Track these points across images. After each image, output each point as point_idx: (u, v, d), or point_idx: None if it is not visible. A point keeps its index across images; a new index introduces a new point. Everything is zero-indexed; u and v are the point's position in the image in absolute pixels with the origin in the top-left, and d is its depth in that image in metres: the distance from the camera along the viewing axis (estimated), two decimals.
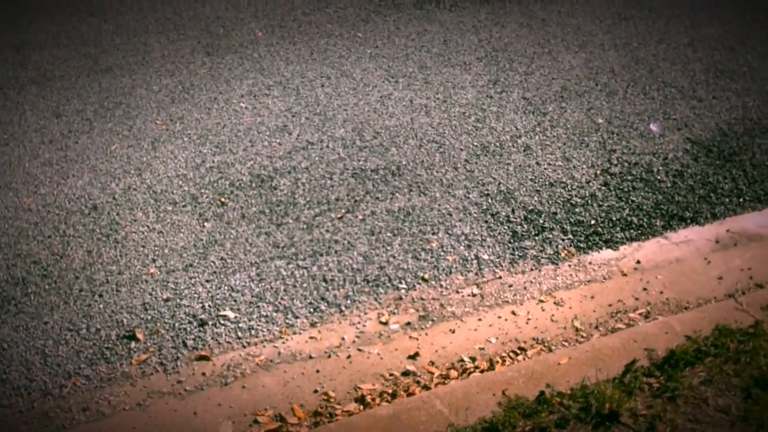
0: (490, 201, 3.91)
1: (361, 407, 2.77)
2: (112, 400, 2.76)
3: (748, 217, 3.79)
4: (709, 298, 3.23)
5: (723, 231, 3.68)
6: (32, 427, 2.64)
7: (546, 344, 3.06)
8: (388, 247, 3.58)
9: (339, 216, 3.80)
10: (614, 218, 3.78)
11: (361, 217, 3.80)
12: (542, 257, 3.54)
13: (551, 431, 2.50)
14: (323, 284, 3.36)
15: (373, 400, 2.82)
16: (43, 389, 2.79)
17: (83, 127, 4.61)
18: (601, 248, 3.60)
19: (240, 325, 3.13)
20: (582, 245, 3.61)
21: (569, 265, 3.49)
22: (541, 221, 3.76)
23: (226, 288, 3.31)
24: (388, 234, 3.67)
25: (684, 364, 2.72)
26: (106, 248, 3.52)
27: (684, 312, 3.14)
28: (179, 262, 3.44)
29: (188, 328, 3.09)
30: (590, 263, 3.50)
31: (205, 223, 3.71)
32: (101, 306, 3.18)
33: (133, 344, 3.01)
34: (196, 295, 3.26)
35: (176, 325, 3.11)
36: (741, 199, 3.90)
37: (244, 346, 3.03)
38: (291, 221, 3.75)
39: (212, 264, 3.45)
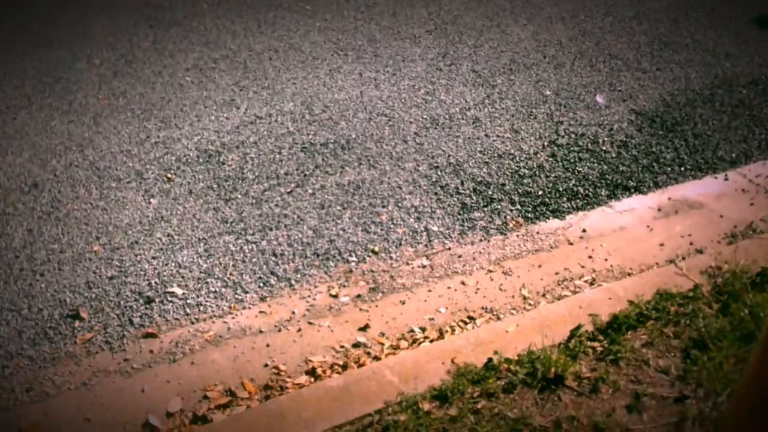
0: (439, 173, 3.93)
1: (312, 380, 2.77)
2: (57, 380, 2.71)
3: (689, 185, 3.87)
4: (651, 264, 3.30)
5: (665, 199, 3.76)
6: None
7: (494, 313, 3.09)
8: (338, 221, 3.57)
9: (288, 190, 3.76)
10: (561, 188, 3.83)
11: (310, 191, 3.77)
12: (491, 228, 3.57)
13: (499, 396, 2.54)
14: (273, 259, 3.34)
15: (324, 372, 2.82)
16: None
17: (21, 102, 4.46)
18: (548, 218, 3.64)
19: (188, 301, 3.09)
20: (530, 215, 3.65)
21: (517, 235, 3.53)
22: (490, 193, 3.79)
23: (173, 264, 3.27)
24: (338, 207, 3.66)
25: (626, 328, 2.79)
26: (47, 226, 3.43)
27: (627, 278, 3.21)
28: (124, 240, 3.38)
29: (134, 306, 3.05)
30: (538, 233, 3.55)
31: (151, 200, 3.64)
32: (43, 285, 3.11)
33: (77, 323, 2.95)
34: (142, 273, 3.21)
35: (122, 303, 3.06)
36: (682, 168, 3.98)
37: (192, 323, 3.00)
38: (240, 196, 3.71)
39: (159, 241, 3.39)
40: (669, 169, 3.97)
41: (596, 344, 2.75)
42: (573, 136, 4.24)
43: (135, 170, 3.85)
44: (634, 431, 2.41)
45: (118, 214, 3.53)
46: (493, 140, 4.21)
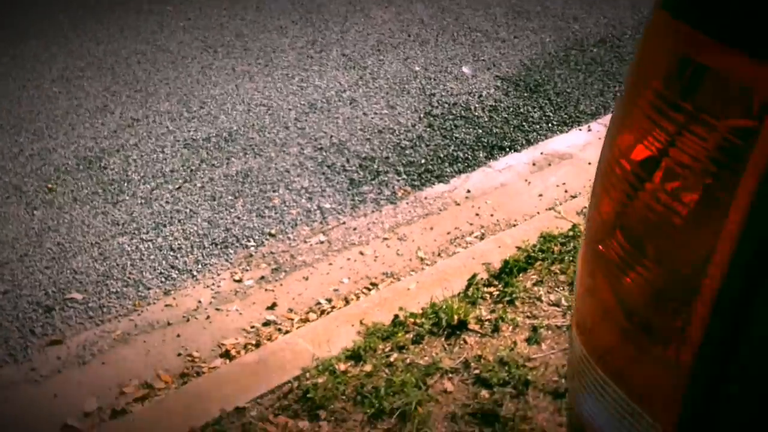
0: (324, 154, 4.03)
1: (227, 361, 2.82)
2: None
3: (558, 139, 4.17)
4: (533, 213, 3.55)
5: (538, 154, 4.03)
6: None
7: (395, 276, 3.24)
8: (232, 210, 3.61)
9: (177, 187, 3.76)
10: (442, 155, 4.02)
11: (199, 185, 3.79)
12: (381, 199, 3.72)
13: (409, 348, 2.68)
14: (171, 253, 3.34)
15: (238, 353, 2.87)
16: None
17: None
18: (433, 183, 3.83)
19: (90, 305, 3.06)
20: (416, 183, 3.83)
21: (407, 203, 3.70)
22: (376, 166, 3.94)
23: (68, 271, 3.21)
24: (230, 197, 3.70)
25: (517, 271, 3.00)
26: None
27: (513, 228, 3.44)
28: (12, 254, 3.28)
29: (34, 316, 2.98)
30: (426, 198, 3.73)
31: (35, 212, 3.55)
32: None
33: None
34: (36, 283, 3.14)
35: (20, 315, 2.98)
36: (549, 125, 4.28)
37: (97, 324, 2.97)
38: (128, 198, 3.67)
39: (49, 251, 3.32)
40: (538, 126, 4.26)
41: (492, 289, 2.95)
42: (446, 105, 4.46)
43: (12, 185, 3.73)
44: (536, 359, 2.62)
45: (2, 229, 3.42)
46: (372, 118, 4.36)
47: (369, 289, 3.19)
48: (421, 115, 4.37)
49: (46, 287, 3.12)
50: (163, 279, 3.20)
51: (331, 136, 4.18)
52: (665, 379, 0.68)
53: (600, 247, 0.79)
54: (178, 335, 2.93)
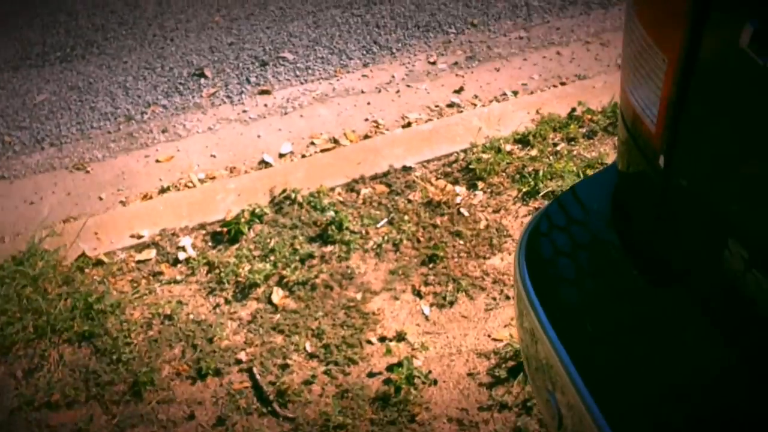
0: None
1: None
2: (187, 125, 3.11)
3: None
4: None
5: None
6: (120, 145, 3.03)
7: (583, 77, 3.19)
8: None
9: None
10: None
11: None
12: (593, 2, 3.58)
13: (579, 141, 2.71)
14: (376, 29, 3.53)
15: (419, 125, 3.07)
16: (127, 115, 3.16)
17: None
18: None
19: (298, 65, 3.37)
20: None
21: (619, 9, 3.53)
22: None
23: (285, 34, 3.53)
24: None
25: None
26: None
27: None
28: (242, 11, 3.66)
29: (251, 68, 3.36)
30: None
31: None
32: (173, 49, 3.48)
33: (202, 80, 3.31)
34: (257, 40, 3.50)
35: (240, 65, 3.38)
36: None
37: (302, 83, 3.30)
38: None
39: (272, 13, 3.65)
40: None
41: None
42: None
43: None
44: None
45: None
46: None
47: (555, 87, 3.19)
48: None
49: (264, 44, 3.47)
50: (364, 52, 3.42)
51: None
52: (676, 7, 0.77)
53: None
54: (369, 103, 3.17)
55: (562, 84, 3.19)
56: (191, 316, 2.26)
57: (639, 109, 0.95)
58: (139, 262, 2.46)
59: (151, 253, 2.48)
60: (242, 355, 2.14)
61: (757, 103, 0.77)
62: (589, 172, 2.56)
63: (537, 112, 2.86)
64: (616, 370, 0.96)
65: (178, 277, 2.39)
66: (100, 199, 2.77)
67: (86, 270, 2.41)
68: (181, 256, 2.46)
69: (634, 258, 1.04)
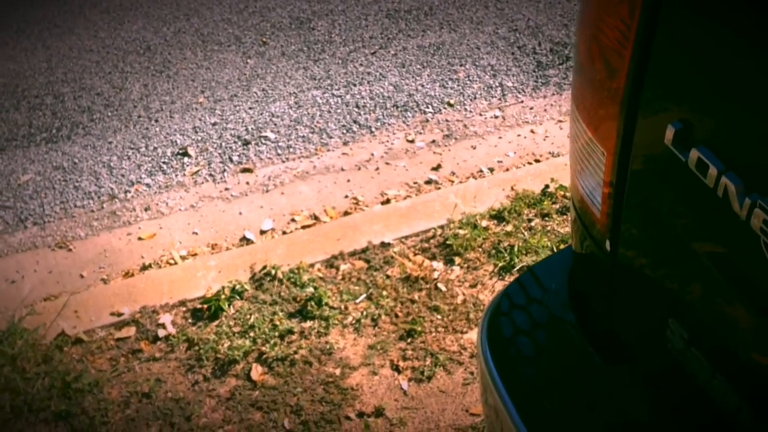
0: (517, 35, 4.08)
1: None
2: (170, 203, 3.17)
3: None
4: None
5: None
6: (102, 223, 3.08)
7: (556, 154, 3.30)
8: (418, 78, 3.82)
9: (372, 51, 4.03)
10: None
11: (393, 52, 4.03)
12: (565, 84, 3.73)
13: (552, 216, 2.79)
14: (356, 109, 3.65)
15: (398, 202, 3.15)
16: (111, 194, 3.22)
17: None
18: None
19: (279, 144, 3.47)
20: None
21: None
22: (567, 52, 3.92)
23: (267, 114, 3.64)
24: (418, 66, 3.91)
25: None
26: (160, 82, 3.88)
27: None
28: (225, 93, 3.78)
29: (233, 147, 3.45)
30: None
31: (248, 60, 4.01)
32: (157, 129, 3.57)
33: (185, 159, 3.39)
34: (240, 120, 3.61)
35: (223, 144, 3.47)
36: None
37: (283, 161, 3.38)
38: (327, 57, 4.01)
39: (255, 94, 3.77)
40: None
41: None
42: None
43: (234, 35, 4.22)
44: None
45: (220, 72, 3.93)
46: (575, 4, 4.28)
47: (530, 164, 3.29)
48: None
49: (247, 124, 3.58)
50: (344, 131, 3.52)
51: (528, 19, 4.19)
52: (610, 110, 0.85)
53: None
54: (349, 180, 3.26)
55: (537, 161, 3.29)
56: (169, 394, 2.27)
57: (585, 195, 1.03)
58: (118, 339, 2.48)
59: (130, 331, 2.50)
60: None
61: (684, 194, 0.83)
62: (563, 246, 2.63)
63: (512, 188, 2.95)
64: None
65: (157, 355, 2.40)
66: (82, 276, 2.80)
67: (65, 348, 2.42)
68: (161, 333, 2.48)
69: (589, 336, 1.09)
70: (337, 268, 2.68)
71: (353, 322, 2.46)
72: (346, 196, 3.17)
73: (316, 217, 3.07)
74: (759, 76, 0.71)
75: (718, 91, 0.76)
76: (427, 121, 3.57)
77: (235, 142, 3.48)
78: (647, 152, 0.87)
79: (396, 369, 2.30)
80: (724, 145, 0.76)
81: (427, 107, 3.64)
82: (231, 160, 3.38)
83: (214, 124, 3.59)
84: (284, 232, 2.99)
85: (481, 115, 3.59)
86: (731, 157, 0.75)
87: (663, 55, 0.82)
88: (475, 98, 3.68)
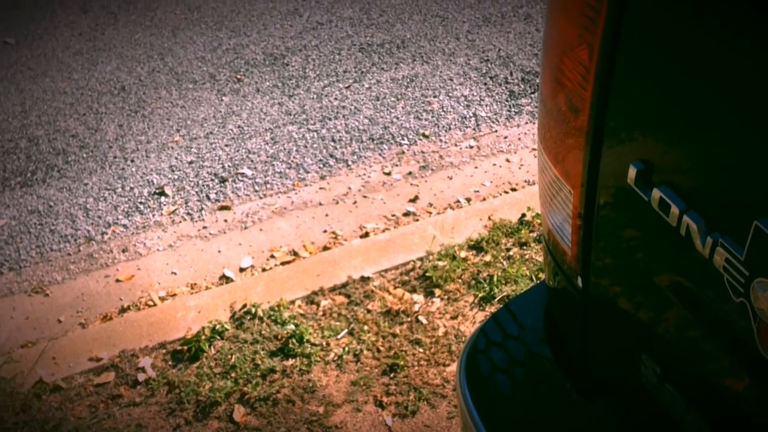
0: (489, 66, 4.13)
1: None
2: (147, 243, 3.15)
3: None
4: None
5: None
6: (79, 266, 3.05)
7: (532, 182, 3.33)
8: (392, 110, 3.86)
9: (346, 86, 4.07)
10: None
11: (367, 85, 4.06)
12: (537, 111, 3.77)
13: (530, 245, 2.81)
14: (332, 144, 3.67)
15: (376, 235, 3.16)
16: (87, 236, 3.20)
17: (109, 20, 4.92)
18: None
19: (257, 180, 3.47)
20: None
21: None
22: (538, 80, 3.97)
23: (243, 151, 3.65)
24: (392, 99, 3.94)
25: None
26: (135, 122, 3.88)
27: None
28: (201, 131, 3.78)
29: (211, 185, 3.45)
30: None
31: (223, 98, 4.03)
32: (133, 169, 3.56)
33: (163, 199, 3.38)
34: (216, 158, 3.61)
35: (200, 182, 3.47)
36: None
37: (261, 197, 3.38)
38: (302, 92, 4.04)
39: (230, 131, 3.78)
40: None
41: None
42: None
43: (209, 73, 4.24)
44: None
45: (195, 111, 3.94)
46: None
47: (507, 193, 3.32)
48: None
49: (223, 162, 3.58)
50: (321, 165, 3.54)
51: (499, 50, 4.25)
52: (574, 149, 0.87)
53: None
54: (327, 215, 3.26)
55: (513, 190, 3.32)
56: None
57: (554, 230, 1.04)
58: (97, 385, 2.44)
59: (110, 376, 2.47)
60: None
61: (650, 232, 0.85)
62: (542, 275, 2.65)
63: (489, 218, 2.97)
64: None
65: (138, 399, 2.37)
66: (59, 321, 2.76)
67: (43, 397, 2.38)
68: (141, 377, 2.46)
69: (566, 371, 1.10)
70: (318, 304, 2.68)
71: (335, 358, 2.45)
72: (325, 231, 3.18)
73: (295, 253, 3.07)
74: (717, 117, 0.73)
75: (679, 131, 0.78)
76: (403, 153, 3.59)
77: (212, 180, 3.48)
78: (613, 190, 0.89)
79: (380, 405, 2.29)
80: (686, 185, 0.78)
81: (403, 139, 3.67)
82: (208, 198, 3.38)
83: (191, 162, 3.59)
84: (264, 269, 2.98)
85: (456, 145, 3.62)
86: (692, 196, 0.77)
87: (622, 97, 0.84)
88: (450, 129, 3.71)
